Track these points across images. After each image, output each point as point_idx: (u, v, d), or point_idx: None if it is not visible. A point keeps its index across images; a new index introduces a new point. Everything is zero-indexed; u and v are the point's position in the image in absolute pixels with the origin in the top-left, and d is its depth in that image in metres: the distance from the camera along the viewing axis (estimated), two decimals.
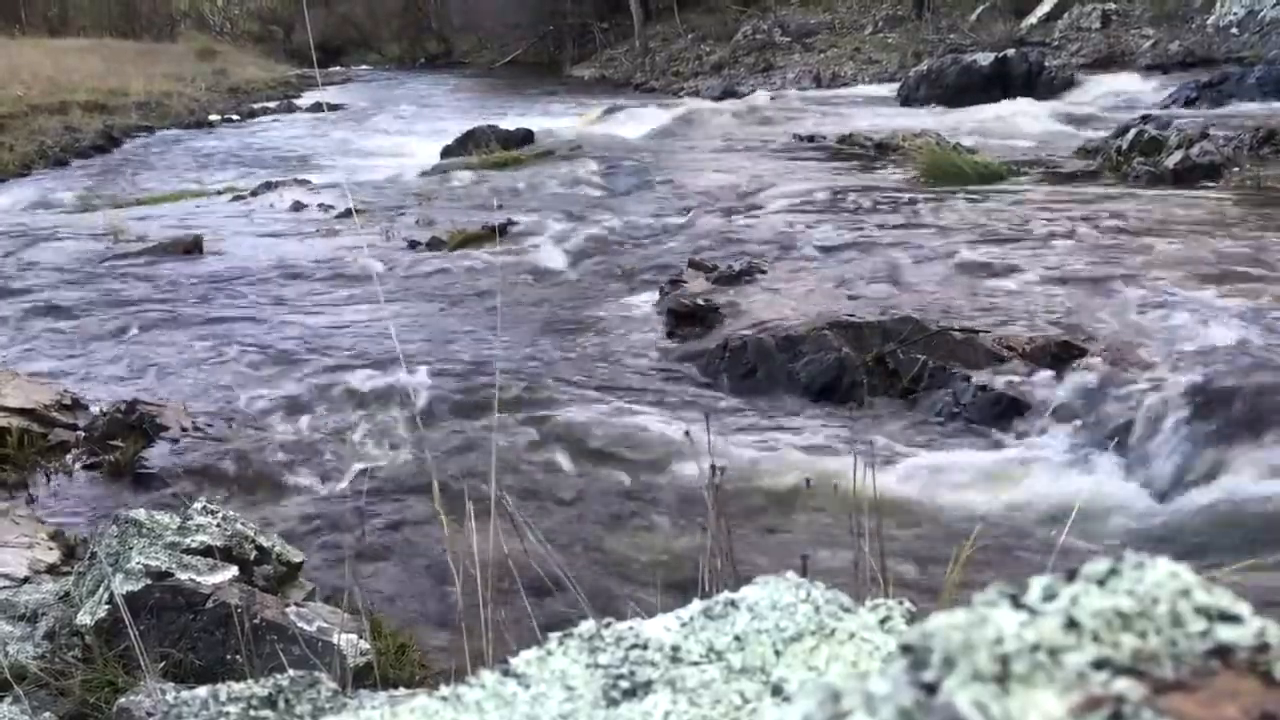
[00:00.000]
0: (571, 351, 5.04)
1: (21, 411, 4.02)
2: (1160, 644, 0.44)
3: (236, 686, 0.97)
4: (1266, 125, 8.25)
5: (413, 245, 7.37)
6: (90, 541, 2.70)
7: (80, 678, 2.11)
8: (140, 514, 2.44)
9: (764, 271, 5.74)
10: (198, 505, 2.55)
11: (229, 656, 2.16)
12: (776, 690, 0.70)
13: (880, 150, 10.03)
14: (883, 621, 0.75)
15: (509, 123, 13.03)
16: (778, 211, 7.61)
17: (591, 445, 3.96)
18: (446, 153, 12.05)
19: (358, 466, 3.82)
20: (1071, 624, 0.44)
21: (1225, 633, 0.44)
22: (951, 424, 4.02)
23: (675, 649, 0.73)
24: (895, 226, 6.78)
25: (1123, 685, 0.41)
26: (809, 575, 0.83)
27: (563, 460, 3.85)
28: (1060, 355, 4.25)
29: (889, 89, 16.56)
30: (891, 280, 5.49)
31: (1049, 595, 0.46)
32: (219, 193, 10.46)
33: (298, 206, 9.13)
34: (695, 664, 0.72)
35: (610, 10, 29.39)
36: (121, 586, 2.17)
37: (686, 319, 5.21)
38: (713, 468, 1.75)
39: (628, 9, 27.52)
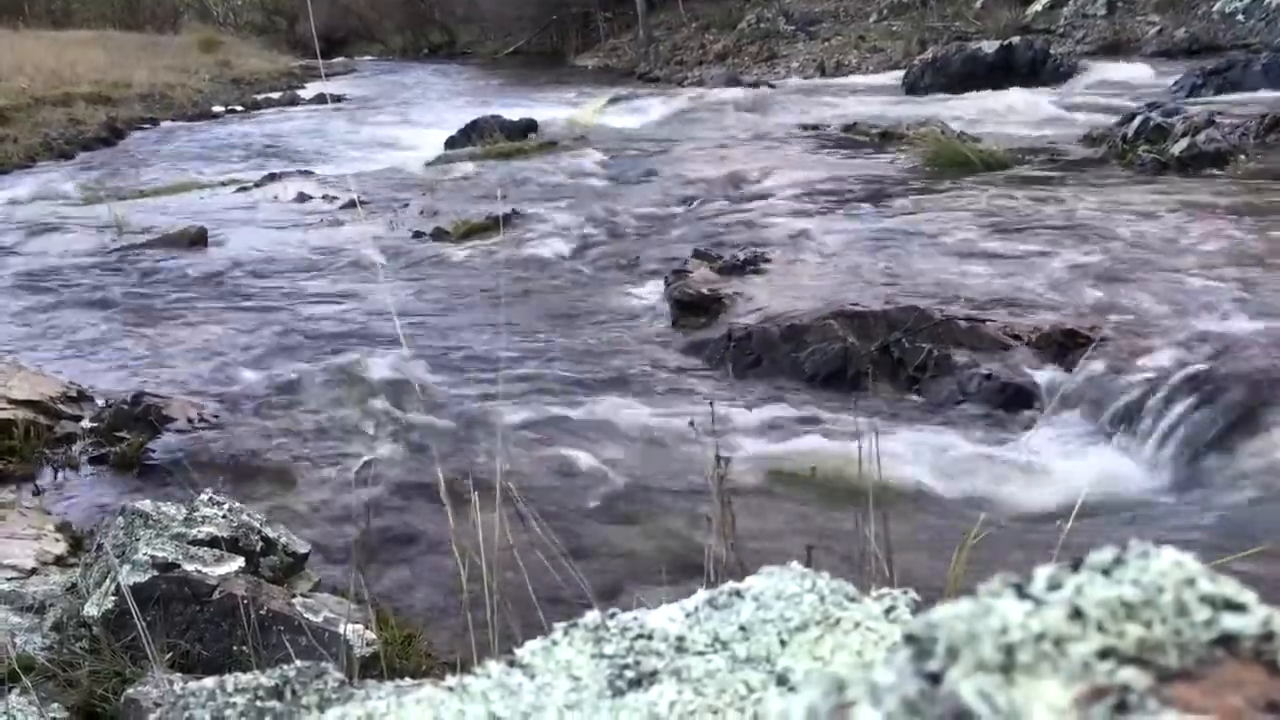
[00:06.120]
0: (576, 341, 5.04)
1: (28, 404, 4.03)
2: (1165, 633, 0.44)
3: (243, 677, 0.97)
4: (1273, 112, 8.22)
5: (417, 236, 7.38)
6: (97, 533, 2.71)
7: (88, 669, 2.11)
8: (146, 505, 2.44)
9: (768, 261, 5.73)
10: (204, 497, 2.55)
11: (235, 647, 2.17)
12: (781, 680, 0.70)
13: (885, 139, 10.01)
14: (888, 611, 0.75)
15: (513, 113, 13.02)
16: (782, 201, 7.60)
17: (596, 435, 3.96)
18: (450, 143, 12.04)
19: (363, 457, 3.83)
20: (1076, 614, 0.44)
21: (1230, 622, 0.44)
22: (957, 413, 4.01)
23: (680, 639, 0.74)
24: (900, 215, 6.76)
25: (1128, 675, 0.41)
26: (814, 565, 0.83)
27: (567, 450, 3.85)
28: (1065, 343, 4.24)
29: (893, 77, 16.49)
30: (896, 269, 5.48)
31: (1054, 585, 0.46)
32: (223, 185, 10.46)
33: (302, 198, 9.13)
34: (700, 654, 0.72)
35: (613, 0, 29.30)
36: (128, 578, 2.17)
37: (691, 309, 5.21)
38: (717, 458, 1.75)
39: None
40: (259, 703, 0.94)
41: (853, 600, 0.76)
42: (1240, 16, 16.02)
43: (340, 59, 38.42)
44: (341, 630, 2.17)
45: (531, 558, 1.86)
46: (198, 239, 7.49)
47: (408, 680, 0.97)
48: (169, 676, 1.93)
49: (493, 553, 1.57)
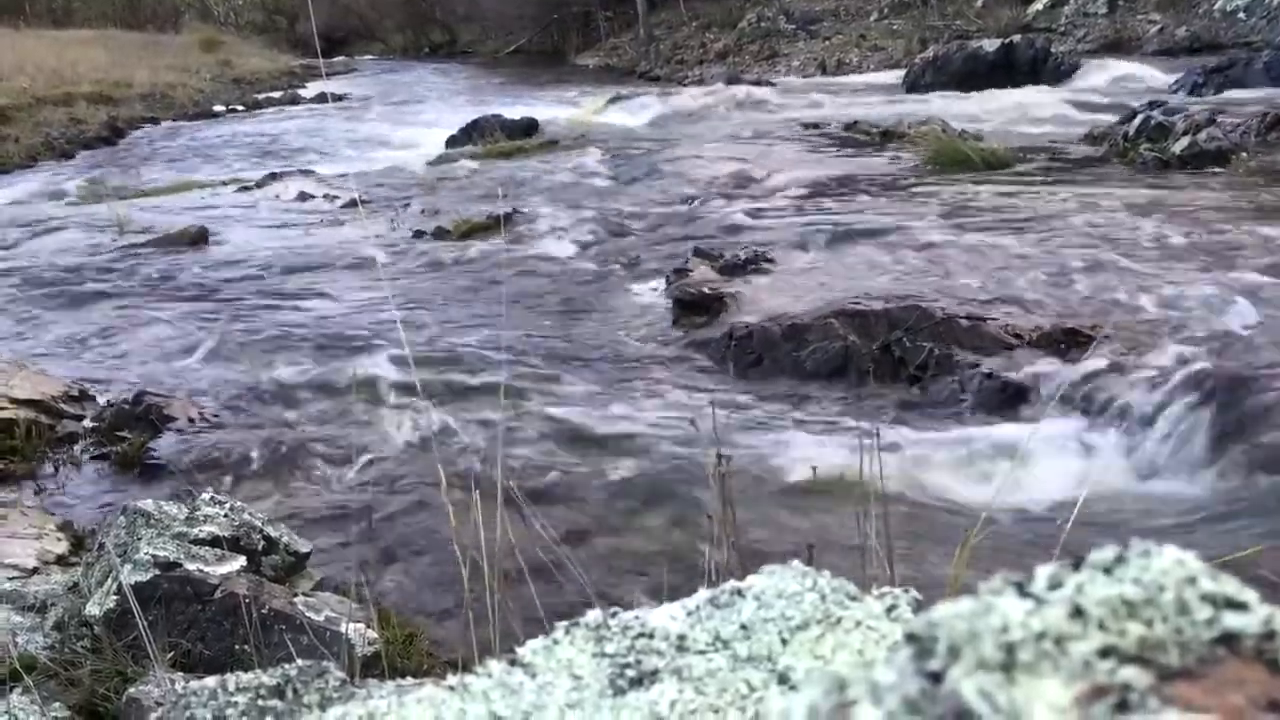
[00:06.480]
0: (577, 340, 5.04)
1: (29, 403, 4.03)
2: (1166, 632, 0.44)
3: (245, 676, 0.97)
4: (1274, 110, 8.21)
5: (418, 235, 7.38)
6: (98, 532, 2.71)
7: (89, 668, 2.11)
8: (148, 505, 2.44)
9: (769, 260, 5.73)
10: (205, 496, 2.55)
11: (237, 646, 2.17)
12: (783, 679, 0.70)
13: (886, 138, 10.01)
14: (889, 610, 0.75)
15: (514, 112, 13.03)
16: (783, 200, 7.60)
17: (597, 434, 3.96)
18: (452, 143, 12.05)
19: (364, 456, 3.83)
20: (1077, 612, 0.44)
21: (1232, 620, 0.44)
22: (958, 411, 4.01)
23: (681, 638, 0.74)
24: (901, 214, 6.76)
25: (1129, 674, 0.41)
26: (815, 564, 0.83)
27: (569, 449, 3.85)
28: (1067, 342, 4.24)
29: (894, 76, 16.50)
30: (897, 268, 5.48)
31: (1055, 584, 0.46)
32: (224, 184, 10.47)
33: (303, 197, 9.13)
34: (701, 653, 0.72)
35: None
36: (130, 577, 2.17)
37: (692, 308, 5.21)
38: (719, 457, 1.75)
39: None
40: (260, 702, 0.94)
41: (854, 599, 0.76)
42: (1241, 15, 16.02)
43: (341, 58, 38.46)
44: (343, 629, 2.17)
45: (533, 557, 1.86)
46: (199, 238, 7.49)
47: (409, 679, 0.97)
48: (170, 676, 1.93)
49: (494, 552, 1.57)
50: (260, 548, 2.45)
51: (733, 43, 23.57)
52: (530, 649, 0.73)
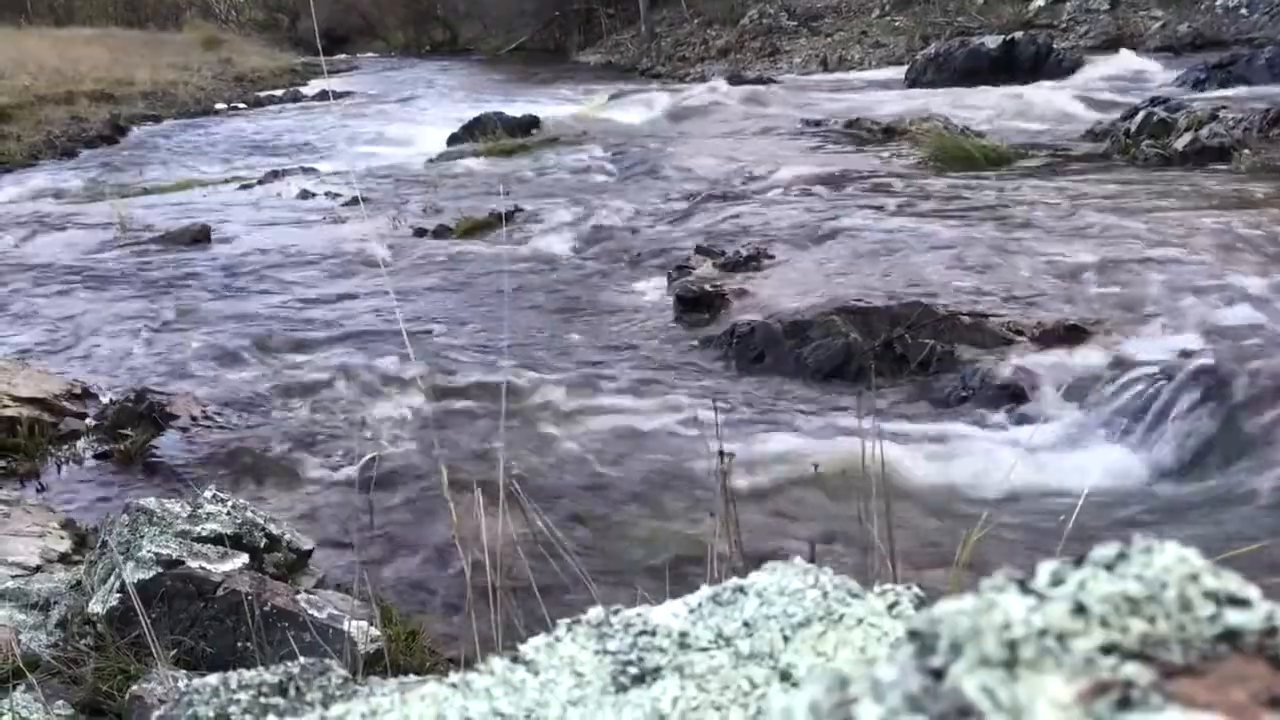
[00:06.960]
0: (579, 338, 5.04)
1: (32, 401, 4.03)
2: (1169, 629, 0.43)
3: (247, 674, 0.97)
4: (1276, 107, 8.19)
5: (420, 233, 7.37)
6: (101, 530, 2.71)
7: (92, 666, 2.12)
8: (151, 503, 2.45)
9: (771, 257, 5.73)
10: (207, 494, 2.56)
11: (240, 644, 2.17)
12: (785, 676, 0.70)
13: (888, 134, 9.99)
14: (891, 607, 0.75)
15: (515, 109, 13.01)
16: (785, 197, 7.59)
17: (600, 431, 3.96)
18: (453, 140, 12.04)
19: (366, 454, 3.83)
20: (1079, 609, 0.44)
21: (1234, 617, 0.44)
22: (960, 408, 4.01)
23: (683, 635, 0.74)
24: (903, 211, 6.76)
25: (1131, 670, 0.41)
26: (817, 561, 0.83)
27: (571, 446, 3.85)
28: (1069, 338, 4.24)
29: (896, 72, 16.47)
30: (899, 265, 5.47)
31: (1057, 580, 0.46)
32: (226, 182, 10.47)
33: (305, 195, 9.13)
34: (703, 650, 0.72)
35: None
36: (133, 575, 2.18)
37: (694, 305, 5.21)
38: (721, 454, 1.75)
39: None
40: (263, 699, 0.94)
41: (856, 596, 0.76)
42: (1244, 11, 15.99)
43: (342, 56, 38.44)
44: (345, 627, 2.17)
45: (535, 554, 1.86)
46: (200, 236, 7.50)
47: (412, 677, 0.97)
48: (173, 673, 1.94)
49: (496, 549, 1.57)
50: (262, 545, 2.46)
51: (734, 39, 23.53)
52: (532, 646, 0.73)
